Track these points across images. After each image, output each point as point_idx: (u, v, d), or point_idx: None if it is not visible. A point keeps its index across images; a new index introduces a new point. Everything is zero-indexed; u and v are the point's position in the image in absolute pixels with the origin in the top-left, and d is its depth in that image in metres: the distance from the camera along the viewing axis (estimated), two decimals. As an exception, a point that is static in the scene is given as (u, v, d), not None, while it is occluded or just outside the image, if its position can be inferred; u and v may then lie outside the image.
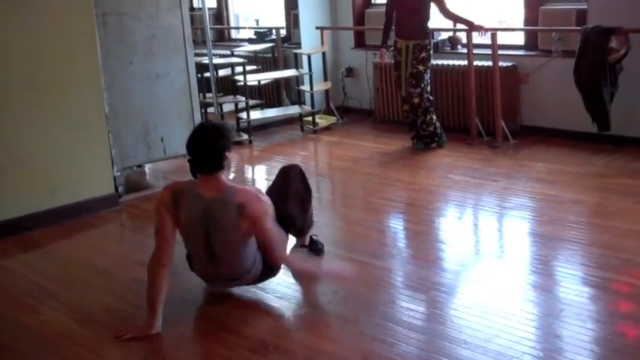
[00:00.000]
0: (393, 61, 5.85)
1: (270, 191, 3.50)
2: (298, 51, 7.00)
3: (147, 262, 3.13)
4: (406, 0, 5.55)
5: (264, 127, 6.93)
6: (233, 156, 3.27)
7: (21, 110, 4.36)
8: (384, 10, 5.81)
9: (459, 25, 6.19)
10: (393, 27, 5.71)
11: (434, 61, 6.19)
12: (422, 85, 5.61)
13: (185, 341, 3.01)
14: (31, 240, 4.30)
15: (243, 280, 3.27)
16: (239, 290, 3.38)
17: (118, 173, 4.89)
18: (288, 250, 3.51)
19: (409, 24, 5.57)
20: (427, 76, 5.67)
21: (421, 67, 5.58)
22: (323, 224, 4.49)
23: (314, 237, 3.81)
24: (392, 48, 5.78)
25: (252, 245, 3.16)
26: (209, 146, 3.02)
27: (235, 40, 8.58)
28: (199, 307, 3.37)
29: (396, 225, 4.53)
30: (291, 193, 3.52)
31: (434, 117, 5.77)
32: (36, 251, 4.17)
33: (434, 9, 5.57)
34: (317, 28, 7.07)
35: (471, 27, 5.63)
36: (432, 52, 5.64)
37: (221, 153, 3.03)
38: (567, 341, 2.79)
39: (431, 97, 5.73)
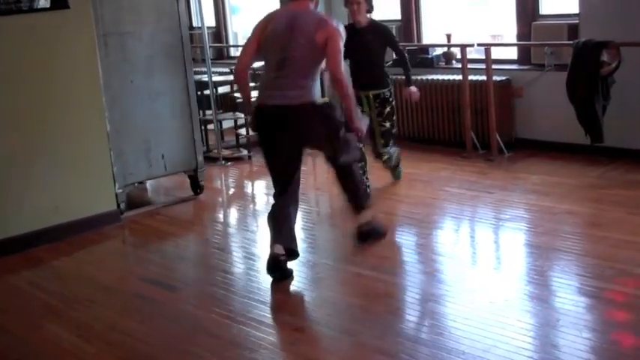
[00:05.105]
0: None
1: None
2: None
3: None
4: (359, 46, 4.78)
5: (262, 142, 6.99)
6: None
7: (25, 129, 4.43)
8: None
9: (454, 41, 6.31)
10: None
11: (430, 76, 6.31)
12: (392, 141, 5.14)
13: (187, 354, 3.07)
14: (35, 257, 4.35)
15: (295, 93, 3.61)
16: (241, 305, 3.44)
17: (120, 190, 4.94)
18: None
19: (365, 72, 4.97)
20: (394, 130, 5.16)
21: (388, 124, 5.05)
22: (322, 238, 4.56)
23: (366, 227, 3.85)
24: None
25: (315, 68, 3.67)
26: None
27: (234, 57, 8.65)
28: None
29: (394, 238, 4.57)
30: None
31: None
32: (40, 268, 4.22)
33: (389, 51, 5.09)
34: (314, 44, 7.13)
35: (407, 84, 5.14)
36: (394, 103, 5.10)
37: None
38: (564, 350, 2.85)
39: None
